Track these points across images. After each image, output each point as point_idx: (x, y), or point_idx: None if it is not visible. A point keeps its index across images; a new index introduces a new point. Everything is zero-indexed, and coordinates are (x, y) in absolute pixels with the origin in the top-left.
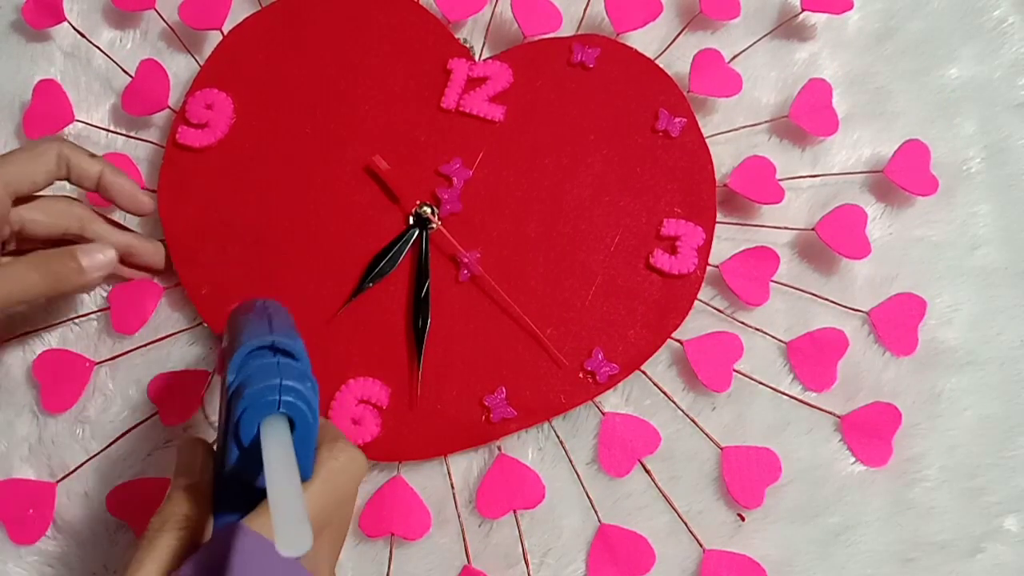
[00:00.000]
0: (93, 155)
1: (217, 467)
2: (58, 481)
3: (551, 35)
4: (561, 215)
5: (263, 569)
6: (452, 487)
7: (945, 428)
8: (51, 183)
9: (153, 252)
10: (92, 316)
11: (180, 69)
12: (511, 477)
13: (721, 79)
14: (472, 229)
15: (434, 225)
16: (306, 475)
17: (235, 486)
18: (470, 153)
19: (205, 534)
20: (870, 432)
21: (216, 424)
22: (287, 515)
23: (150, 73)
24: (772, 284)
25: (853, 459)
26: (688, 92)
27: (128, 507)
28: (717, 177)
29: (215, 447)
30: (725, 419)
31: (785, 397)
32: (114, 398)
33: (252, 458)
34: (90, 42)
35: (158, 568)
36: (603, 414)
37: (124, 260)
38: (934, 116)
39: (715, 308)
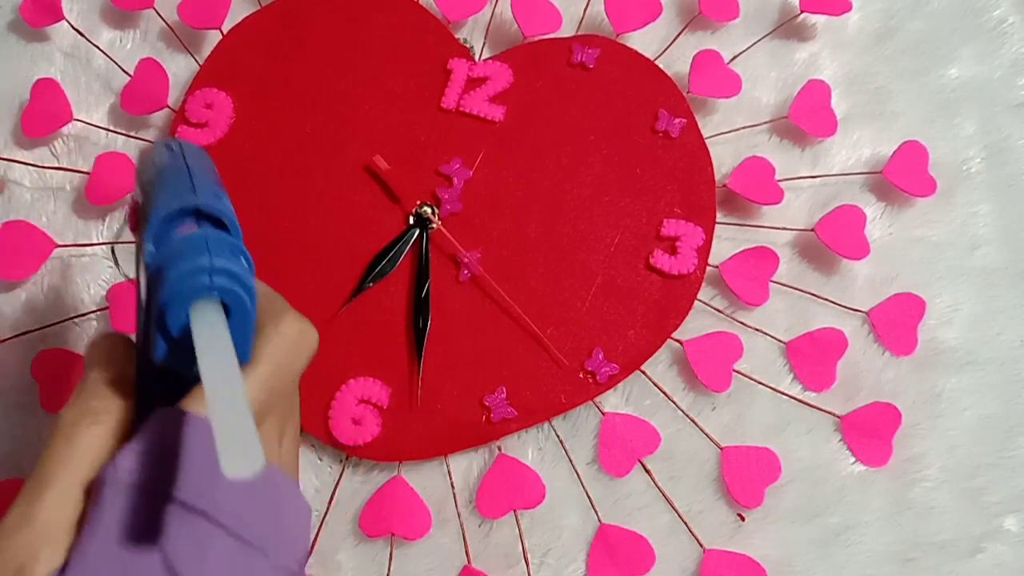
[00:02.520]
0: None
1: (140, 359)
2: None
3: (551, 35)
4: (561, 215)
5: (214, 457)
6: (452, 487)
7: (945, 428)
8: None
9: None
10: (92, 316)
11: (179, 69)
12: (511, 477)
13: (721, 80)
14: (472, 229)
15: (434, 225)
16: (246, 361)
17: (163, 378)
18: (470, 153)
19: (131, 430)
20: (870, 432)
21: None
22: (230, 433)
23: (149, 73)
24: (772, 284)
25: (853, 459)
26: (688, 93)
27: None
28: (717, 177)
29: (136, 334)
30: (725, 419)
31: (785, 397)
32: None
33: (182, 348)
34: (89, 42)
35: (85, 463)
36: (603, 414)
37: None
38: (934, 116)
39: (715, 308)
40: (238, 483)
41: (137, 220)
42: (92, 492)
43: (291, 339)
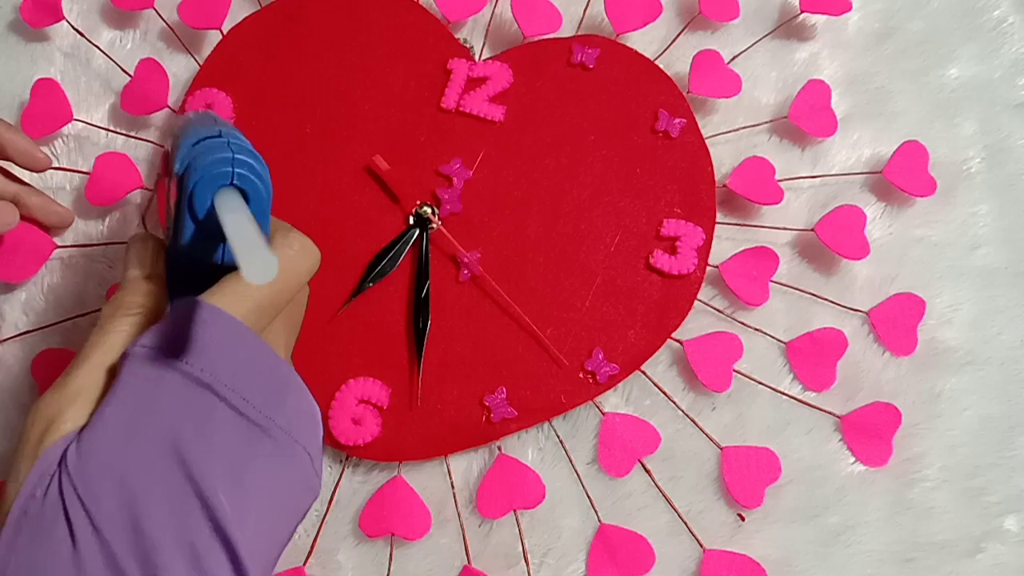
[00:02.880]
0: None
1: (170, 251)
2: None
3: (551, 35)
4: (561, 215)
5: (223, 339)
6: (452, 487)
7: (945, 428)
8: None
9: (40, 206)
10: (92, 315)
11: (179, 69)
12: (511, 477)
13: (721, 80)
14: (472, 229)
15: (434, 225)
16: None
17: (191, 268)
18: (470, 153)
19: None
20: (870, 432)
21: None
22: (250, 246)
23: (149, 73)
24: (772, 284)
25: (853, 459)
26: (688, 93)
27: None
28: (717, 177)
29: (167, 235)
30: (725, 419)
31: (785, 397)
32: None
33: (207, 231)
34: (89, 42)
35: (116, 345)
36: (603, 414)
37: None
38: (934, 116)
39: (715, 308)
40: (244, 364)
41: (167, 167)
42: (118, 367)
43: (298, 251)
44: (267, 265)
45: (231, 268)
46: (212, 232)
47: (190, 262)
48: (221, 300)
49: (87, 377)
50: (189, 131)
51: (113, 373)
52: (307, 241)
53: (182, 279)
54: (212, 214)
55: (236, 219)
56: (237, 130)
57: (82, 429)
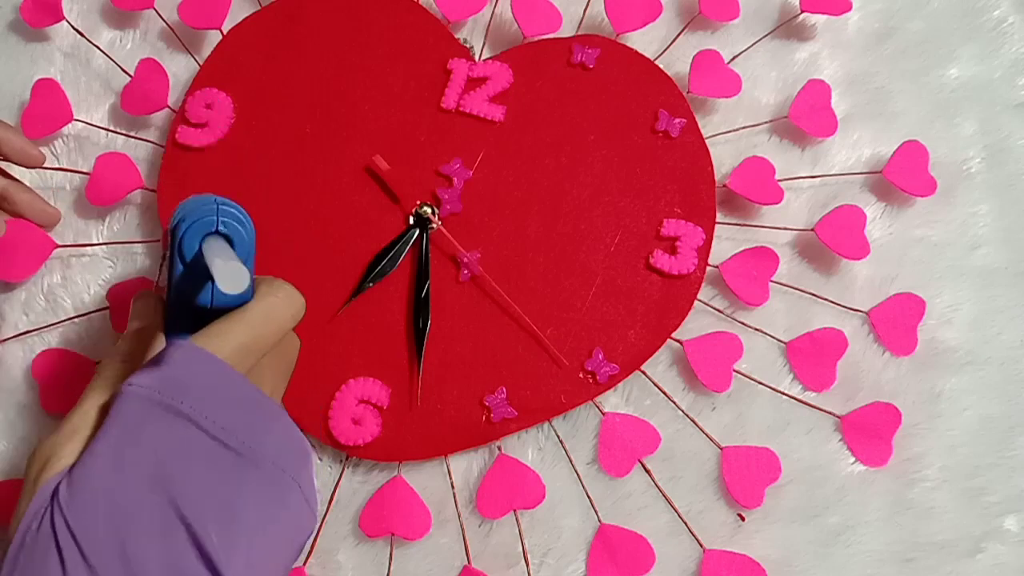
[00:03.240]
0: None
1: (167, 301)
2: None
3: (551, 35)
4: (561, 215)
5: (205, 375)
6: (452, 487)
7: (945, 428)
8: None
9: (28, 203)
10: (92, 315)
11: (180, 69)
12: (511, 477)
13: (721, 80)
14: (472, 229)
15: (434, 225)
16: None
17: (186, 316)
18: (470, 153)
19: None
20: (870, 432)
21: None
22: (224, 260)
23: (149, 73)
24: (772, 284)
25: (853, 459)
26: (688, 93)
27: None
28: (717, 177)
29: (165, 288)
30: (725, 419)
31: (785, 397)
32: None
33: (196, 274)
34: (90, 42)
35: (111, 387)
36: (603, 414)
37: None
38: (934, 116)
39: (715, 308)
40: (225, 398)
41: (166, 241)
42: (110, 405)
43: (279, 296)
44: (238, 275)
45: (222, 312)
46: (201, 274)
47: (185, 310)
48: (205, 341)
49: (82, 418)
50: (187, 203)
51: (106, 411)
52: (292, 290)
53: (179, 327)
54: (200, 257)
55: (216, 247)
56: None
57: (73, 465)
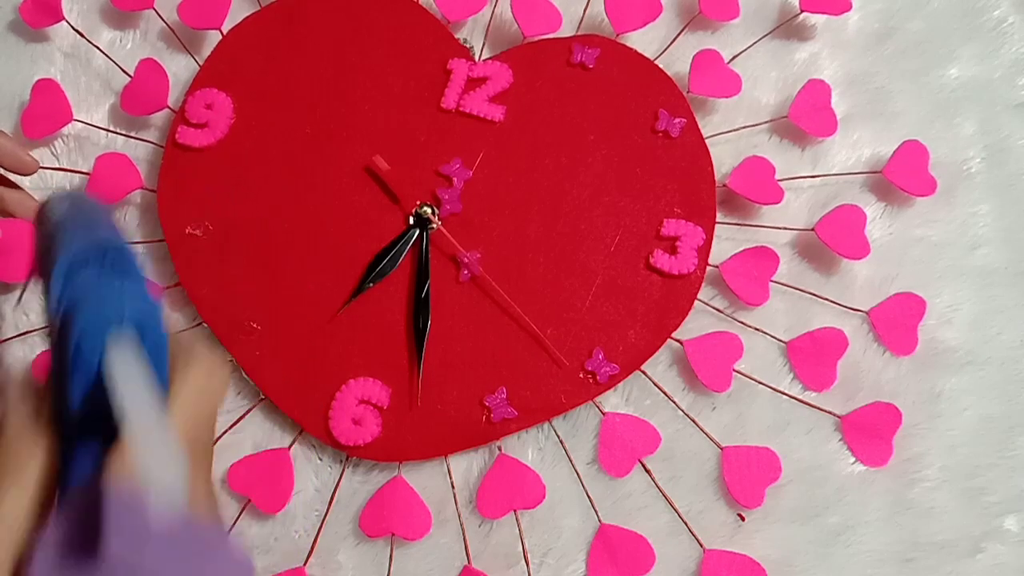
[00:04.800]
0: None
1: (57, 401)
2: None
3: (551, 35)
4: (561, 215)
5: (137, 526)
6: (452, 487)
7: (945, 428)
8: None
9: (18, 201)
10: None
11: (179, 69)
12: (511, 477)
13: (721, 79)
14: (472, 229)
15: (434, 225)
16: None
17: (83, 415)
18: (470, 153)
19: (54, 478)
20: (870, 432)
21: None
22: (154, 469)
23: (149, 73)
24: (772, 284)
25: (853, 459)
26: (688, 92)
27: None
28: (717, 177)
29: (49, 378)
30: (725, 419)
31: (785, 397)
32: None
33: (100, 388)
34: (89, 42)
35: (10, 527)
36: (603, 414)
37: None
38: (934, 116)
39: (715, 308)
40: (160, 543)
41: (40, 270)
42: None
43: (201, 383)
44: (173, 491)
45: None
46: (105, 388)
47: (83, 410)
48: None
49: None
50: (64, 237)
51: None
52: (213, 365)
53: (77, 417)
54: (101, 373)
55: (137, 418)
56: (115, 228)
57: None
